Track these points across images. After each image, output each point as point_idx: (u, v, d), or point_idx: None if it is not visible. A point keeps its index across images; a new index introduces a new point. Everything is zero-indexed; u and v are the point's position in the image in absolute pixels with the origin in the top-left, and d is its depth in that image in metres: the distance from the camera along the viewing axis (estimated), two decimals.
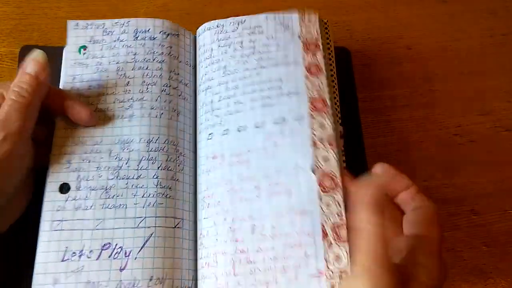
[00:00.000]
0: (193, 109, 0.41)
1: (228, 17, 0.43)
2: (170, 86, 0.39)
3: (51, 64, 0.37)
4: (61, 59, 0.40)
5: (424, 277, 0.27)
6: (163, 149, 0.37)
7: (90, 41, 0.40)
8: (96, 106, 0.38)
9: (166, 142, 0.37)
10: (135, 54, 0.40)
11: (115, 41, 0.40)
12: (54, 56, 0.39)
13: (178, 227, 0.36)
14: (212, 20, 0.42)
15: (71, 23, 0.41)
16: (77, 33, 0.40)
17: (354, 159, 0.42)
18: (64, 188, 0.35)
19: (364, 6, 0.53)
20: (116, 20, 0.41)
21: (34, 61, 0.35)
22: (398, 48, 0.51)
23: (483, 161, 0.45)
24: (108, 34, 0.40)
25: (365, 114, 0.47)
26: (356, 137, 0.44)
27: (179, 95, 0.40)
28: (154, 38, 0.40)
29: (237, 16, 0.43)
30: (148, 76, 0.39)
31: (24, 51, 0.46)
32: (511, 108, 0.48)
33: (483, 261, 0.41)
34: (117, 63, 0.39)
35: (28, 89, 0.33)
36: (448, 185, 0.44)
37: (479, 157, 0.45)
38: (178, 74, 0.40)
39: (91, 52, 0.40)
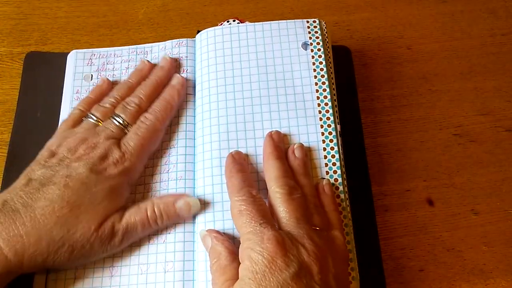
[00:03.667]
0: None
1: (228, 18, 0.43)
2: None
3: (52, 71, 0.37)
4: (64, 65, 0.41)
5: None
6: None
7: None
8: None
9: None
10: None
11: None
12: (57, 62, 0.40)
13: None
14: (212, 19, 0.42)
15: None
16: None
17: (354, 159, 0.42)
18: None
19: (364, 6, 0.53)
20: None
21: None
22: (398, 48, 0.51)
23: (483, 161, 0.45)
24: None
25: (365, 114, 0.47)
26: (356, 137, 0.44)
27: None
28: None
29: (237, 17, 0.43)
30: None
31: (29, 58, 0.46)
32: (511, 108, 0.48)
33: (483, 261, 0.41)
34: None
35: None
36: (448, 185, 0.44)
37: (479, 157, 0.45)
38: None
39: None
